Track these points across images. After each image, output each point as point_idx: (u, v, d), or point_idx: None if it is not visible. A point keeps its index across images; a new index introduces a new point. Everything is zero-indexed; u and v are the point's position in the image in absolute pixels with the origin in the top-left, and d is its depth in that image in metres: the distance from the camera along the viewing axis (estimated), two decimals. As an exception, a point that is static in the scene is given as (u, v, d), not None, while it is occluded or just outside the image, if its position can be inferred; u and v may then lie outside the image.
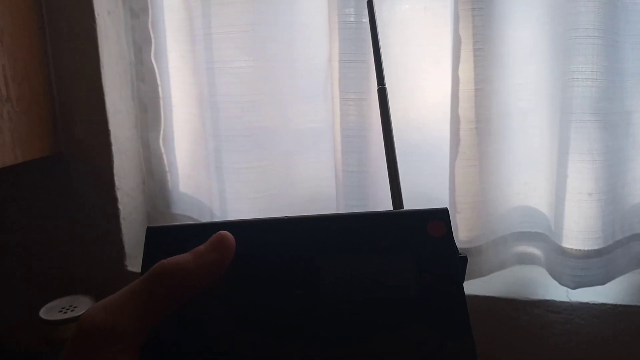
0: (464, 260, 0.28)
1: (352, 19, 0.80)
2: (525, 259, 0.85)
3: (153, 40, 0.92)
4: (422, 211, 0.29)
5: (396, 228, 0.28)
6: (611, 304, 0.79)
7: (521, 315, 0.82)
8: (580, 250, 0.77)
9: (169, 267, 0.26)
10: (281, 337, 0.26)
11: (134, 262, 0.96)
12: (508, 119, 0.79)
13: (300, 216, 0.29)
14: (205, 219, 0.95)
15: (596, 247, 0.77)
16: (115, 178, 0.94)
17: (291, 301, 0.26)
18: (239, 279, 0.27)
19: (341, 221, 0.29)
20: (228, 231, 0.27)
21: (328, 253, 0.28)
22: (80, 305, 0.85)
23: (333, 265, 0.27)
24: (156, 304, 0.25)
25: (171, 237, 0.28)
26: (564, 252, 0.78)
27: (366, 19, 0.80)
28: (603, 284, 0.78)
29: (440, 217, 0.29)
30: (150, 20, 0.91)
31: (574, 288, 0.78)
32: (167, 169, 1.00)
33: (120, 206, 0.95)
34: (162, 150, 0.99)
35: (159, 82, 0.93)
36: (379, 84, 0.39)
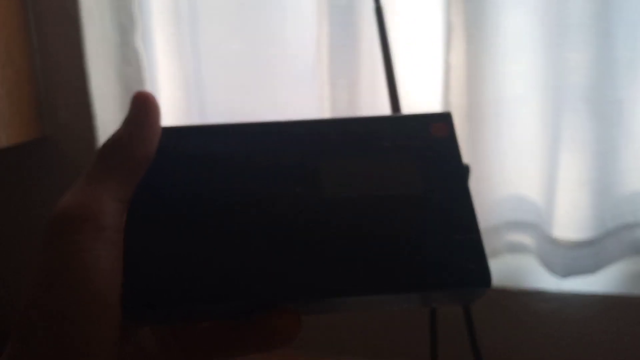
0: (467, 170, 0.27)
1: (343, 3, 0.78)
2: (515, 248, 0.85)
3: (139, 23, 0.90)
4: (425, 114, 0.28)
5: (399, 130, 0.28)
6: (601, 293, 0.79)
7: (511, 304, 0.81)
8: (571, 239, 0.77)
9: (109, 144, 0.25)
10: (281, 231, 0.25)
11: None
12: (500, 106, 0.78)
13: (304, 120, 0.28)
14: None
15: (587, 236, 0.76)
16: (101, 163, 0.93)
17: (291, 198, 0.26)
18: (239, 176, 0.26)
19: (344, 124, 0.28)
20: (236, 133, 0.27)
21: (331, 155, 0.27)
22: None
23: (335, 167, 0.26)
24: (118, 180, 0.24)
25: (186, 138, 0.27)
26: (554, 241, 0.78)
27: (357, 6, 0.78)
28: (593, 273, 0.78)
29: (443, 119, 0.28)
30: (135, 1, 0.89)
31: (564, 277, 0.78)
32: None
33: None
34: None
35: (144, 64, 0.91)
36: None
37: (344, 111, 0.80)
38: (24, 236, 1.00)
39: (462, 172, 0.27)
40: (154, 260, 0.24)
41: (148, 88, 0.93)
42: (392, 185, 0.26)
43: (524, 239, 0.84)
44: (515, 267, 0.85)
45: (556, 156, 0.75)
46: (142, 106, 0.26)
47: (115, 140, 0.25)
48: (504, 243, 0.84)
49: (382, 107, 0.81)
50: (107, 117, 0.93)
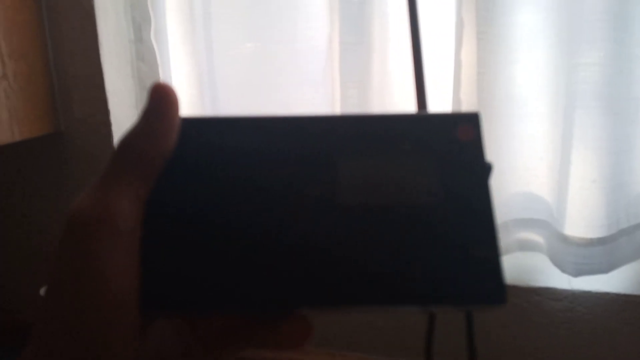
0: (489, 168, 0.26)
1: (354, 0, 0.78)
2: (526, 246, 0.84)
3: (153, 19, 0.91)
4: (451, 114, 0.27)
5: (423, 130, 0.26)
6: (614, 293, 0.78)
7: (522, 302, 0.81)
8: (583, 237, 0.76)
9: (126, 138, 0.24)
10: (292, 235, 0.24)
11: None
12: (511, 103, 0.77)
13: (322, 115, 0.27)
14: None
15: (600, 235, 0.76)
16: (115, 158, 0.94)
17: (306, 201, 0.25)
18: (251, 174, 0.25)
19: (366, 122, 0.26)
20: (255, 126, 0.26)
21: (350, 155, 0.26)
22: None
23: (353, 169, 0.25)
24: (136, 178, 0.24)
25: (203, 130, 0.26)
26: (566, 240, 0.77)
27: (368, 4, 0.78)
28: (606, 272, 0.77)
29: (470, 121, 0.26)
30: (150, -2, 0.90)
31: (576, 276, 0.77)
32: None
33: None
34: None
35: (159, 61, 0.92)
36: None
37: (355, 109, 0.80)
38: (38, 230, 1.02)
39: (485, 180, 0.25)
40: (170, 257, 0.24)
41: (161, 84, 0.94)
42: (411, 193, 0.25)
43: (535, 236, 0.83)
44: (526, 264, 0.84)
45: (568, 154, 0.75)
46: (161, 98, 0.25)
47: (133, 135, 0.24)
48: (515, 240, 0.84)
49: (392, 105, 0.81)
50: (121, 112, 0.94)
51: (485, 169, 0.26)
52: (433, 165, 0.25)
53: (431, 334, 0.67)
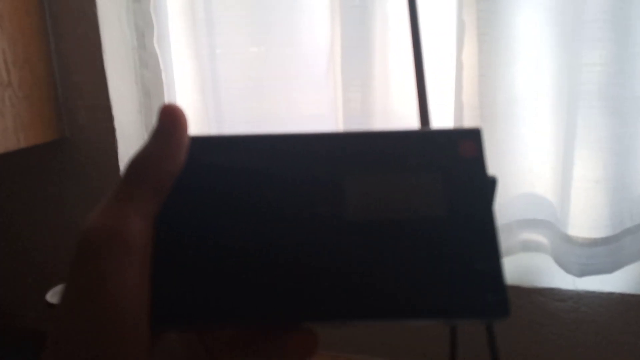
0: (493, 182, 0.27)
1: (356, 2, 0.79)
2: (530, 247, 0.84)
3: (155, 25, 0.91)
4: (453, 130, 0.27)
5: (426, 146, 0.27)
6: (619, 293, 0.78)
7: (526, 303, 0.81)
8: (587, 238, 0.76)
9: (137, 158, 0.25)
10: (300, 250, 0.25)
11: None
12: (513, 105, 0.77)
13: (328, 132, 0.27)
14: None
15: (603, 235, 0.75)
16: (120, 163, 0.94)
17: (312, 218, 0.25)
18: (259, 192, 0.26)
19: (369, 138, 0.27)
20: (262, 144, 0.27)
21: (355, 172, 0.26)
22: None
23: (358, 186, 0.26)
24: (147, 197, 0.25)
25: (211, 149, 0.27)
26: (570, 240, 0.77)
27: (370, 6, 0.78)
28: (610, 272, 0.77)
29: (472, 137, 0.27)
30: (152, 4, 0.90)
31: (580, 276, 0.77)
32: (171, 154, 1.00)
33: (124, 192, 0.95)
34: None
35: (162, 67, 0.93)
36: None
37: (357, 111, 0.81)
38: (45, 236, 1.02)
39: (487, 195, 0.26)
40: (180, 273, 0.25)
41: (165, 90, 0.94)
42: (415, 208, 0.26)
43: (539, 237, 0.83)
44: (530, 265, 0.84)
45: (571, 154, 0.75)
46: (170, 119, 0.26)
47: (143, 155, 0.25)
48: (519, 241, 0.84)
49: (395, 107, 0.81)
50: (125, 118, 0.95)
51: (487, 184, 0.26)
52: (437, 181, 0.26)
53: (454, 345, 0.67)
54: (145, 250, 0.24)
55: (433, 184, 0.26)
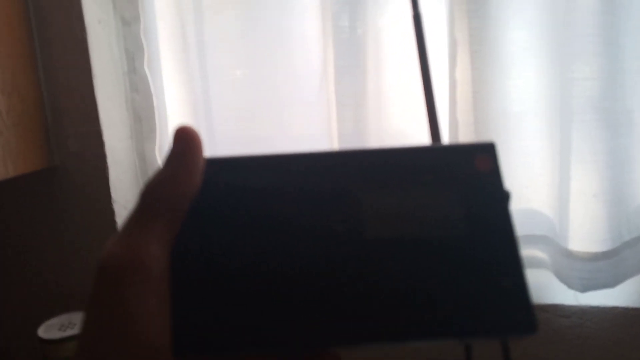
0: (508, 196, 0.26)
1: (345, 23, 0.79)
2: (530, 263, 0.83)
3: (145, 49, 0.91)
4: (468, 145, 0.27)
5: (442, 162, 0.27)
6: (622, 307, 0.77)
7: (528, 320, 0.80)
8: (587, 252, 0.75)
9: (153, 183, 0.25)
10: (321, 272, 0.24)
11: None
12: (507, 120, 0.77)
13: (343, 150, 0.27)
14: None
15: (604, 249, 0.75)
16: (112, 190, 0.93)
17: (332, 238, 0.25)
18: (276, 212, 0.26)
19: (385, 155, 0.27)
20: (276, 164, 0.26)
21: (373, 190, 0.26)
22: (79, 323, 0.83)
23: (376, 204, 0.26)
24: (164, 223, 0.24)
25: (230, 168, 0.27)
26: (570, 255, 0.76)
27: (361, 30, 0.79)
28: (613, 286, 0.76)
29: (487, 151, 0.27)
30: (142, 28, 0.90)
31: (582, 291, 0.76)
32: (163, 180, 0.99)
33: (117, 219, 0.94)
34: (159, 160, 0.97)
35: (152, 91, 0.92)
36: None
37: (351, 131, 0.80)
38: (35, 268, 1.00)
39: (506, 209, 0.26)
40: (199, 299, 0.24)
41: (156, 114, 0.94)
42: (435, 224, 0.25)
43: (539, 253, 0.82)
44: (531, 281, 0.83)
45: (567, 168, 0.75)
46: (184, 141, 0.25)
47: (159, 180, 0.25)
48: (519, 258, 0.83)
49: (388, 127, 0.81)
50: (116, 144, 0.93)
51: (505, 197, 0.26)
52: (454, 196, 0.26)
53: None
54: (164, 276, 0.24)
55: (451, 199, 0.26)
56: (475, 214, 0.25)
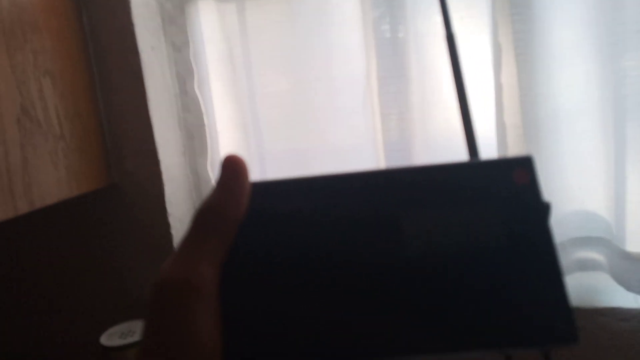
0: (548, 207, 0.27)
1: (387, 35, 0.80)
2: (586, 265, 0.81)
3: (195, 72, 0.94)
4: (505, 159, 0.28)
5: (479, 178, 0.27)
6: (684, 309, 0.74)
7: (587, 324, 0.78)
8: (645, 253, 0.73)
9: (203, 208, 0.27)
10: (367, 289, 0.25)
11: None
12: (556, 122, 0.76)
13: (381, 170, 0.28)
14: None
15: (663, 250, 0.73)
16: (167, 205, 0.96)
17: (377, 257, 0.26)
18: (319, 233, 0.27)
19: (423, 173, 0.28)
20: (319, 185, 0.28)
21: (412, 208, 0.27)
22: (139, 330, 0.87)
23: (416, 221, 0.26)
24: (214, 245, 0.26)
25: (275, 191, 0.28)
26: (628, 256, 0.74)
27: (403, 34, 0.79)
28: (674, 288, 0.74)
29: (524, 165, 0.27)
30: (191, 52, 0.94)
31: (642, 294, 0.74)
32: (216, 194, 1.02)
33: (173, 232, 0.97)
34: (210, 175, 1.01)
35: (203, 110, 0.95)
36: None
37: (396, 141, 0.81)
38: (98, 280, 1.05)
39: (545, 221, 0.26)
40: (248, 316, 0.26)
41: (207, 132, 0.97)
42: (475, 239, 0.26)
43: (595, 255, 0.81)
44: (588, 285, 0.82)
45: (622, 168, 0.73)
46: (232, 169, 0.27)
47: (209, 205, 0.27)
48: (574, 260, 0.81)
49: (434, 135, 0.81)
50: (171, 161, 0.97)
51: (543, 210, 0.26)
52: (494, 211, 0.26)
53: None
54: (216, 296, 0.25)
55: (491, 214, 0.26)
56: (515, 227, 0.26)
